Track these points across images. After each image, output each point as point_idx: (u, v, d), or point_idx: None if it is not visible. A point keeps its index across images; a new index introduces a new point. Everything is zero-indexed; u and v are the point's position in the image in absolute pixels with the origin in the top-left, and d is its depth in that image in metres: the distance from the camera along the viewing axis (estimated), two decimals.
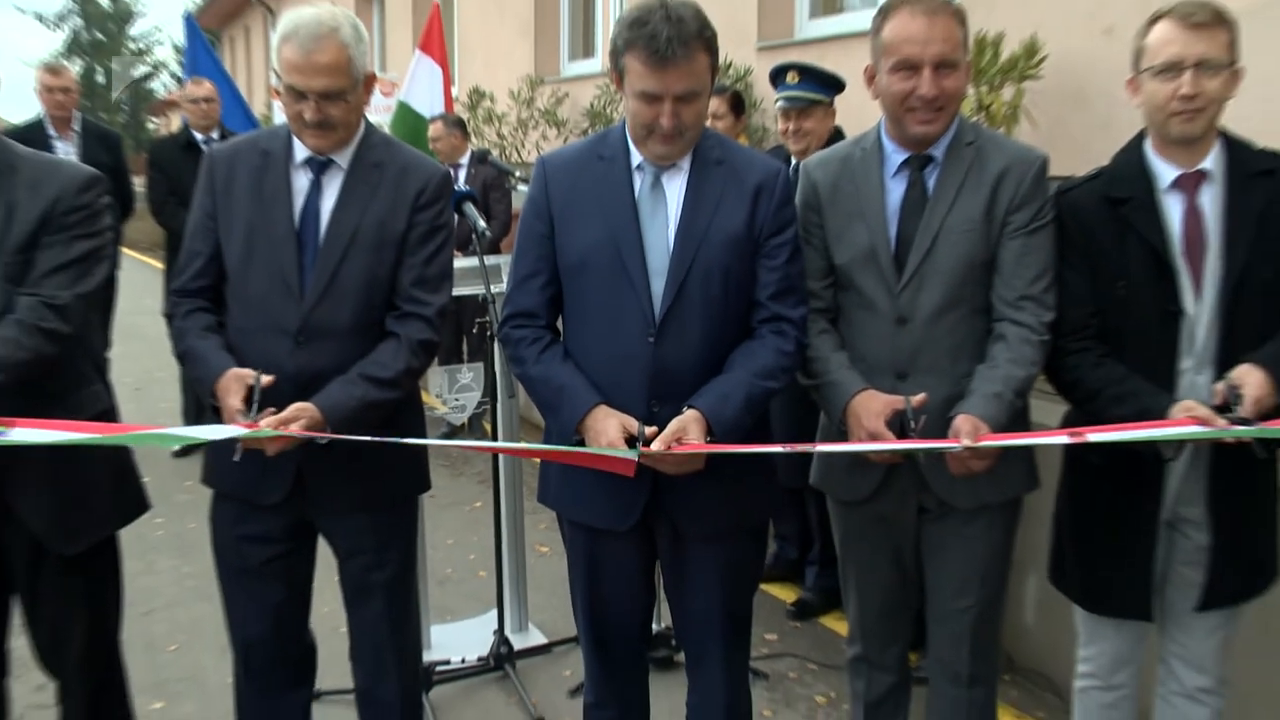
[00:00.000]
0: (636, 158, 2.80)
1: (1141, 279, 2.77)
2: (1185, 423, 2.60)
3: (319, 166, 2.93)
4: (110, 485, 3.05)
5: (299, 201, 2.92)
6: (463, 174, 7.89)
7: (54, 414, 2.85)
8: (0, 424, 2.67)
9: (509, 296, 2.90)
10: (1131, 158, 2.84)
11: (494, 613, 4.50)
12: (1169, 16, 2.68)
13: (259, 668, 3.13)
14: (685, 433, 2.62)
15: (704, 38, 2.65)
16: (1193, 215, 2.77)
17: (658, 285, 2.74)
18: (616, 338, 2.76)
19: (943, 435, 2.69)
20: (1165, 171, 2.79)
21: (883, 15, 2.80)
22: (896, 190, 2.86)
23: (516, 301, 2.87)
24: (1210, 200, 2.77)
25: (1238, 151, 2.79)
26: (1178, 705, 3.01)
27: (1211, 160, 2.77)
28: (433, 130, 7.89)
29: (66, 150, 7.08)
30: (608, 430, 2.65)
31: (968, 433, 2.64)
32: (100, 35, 43.24)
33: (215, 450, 3.03)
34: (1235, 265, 2.73)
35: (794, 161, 4.70)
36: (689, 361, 2.75)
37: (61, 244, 2.84)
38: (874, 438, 2.70)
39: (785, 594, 5.08)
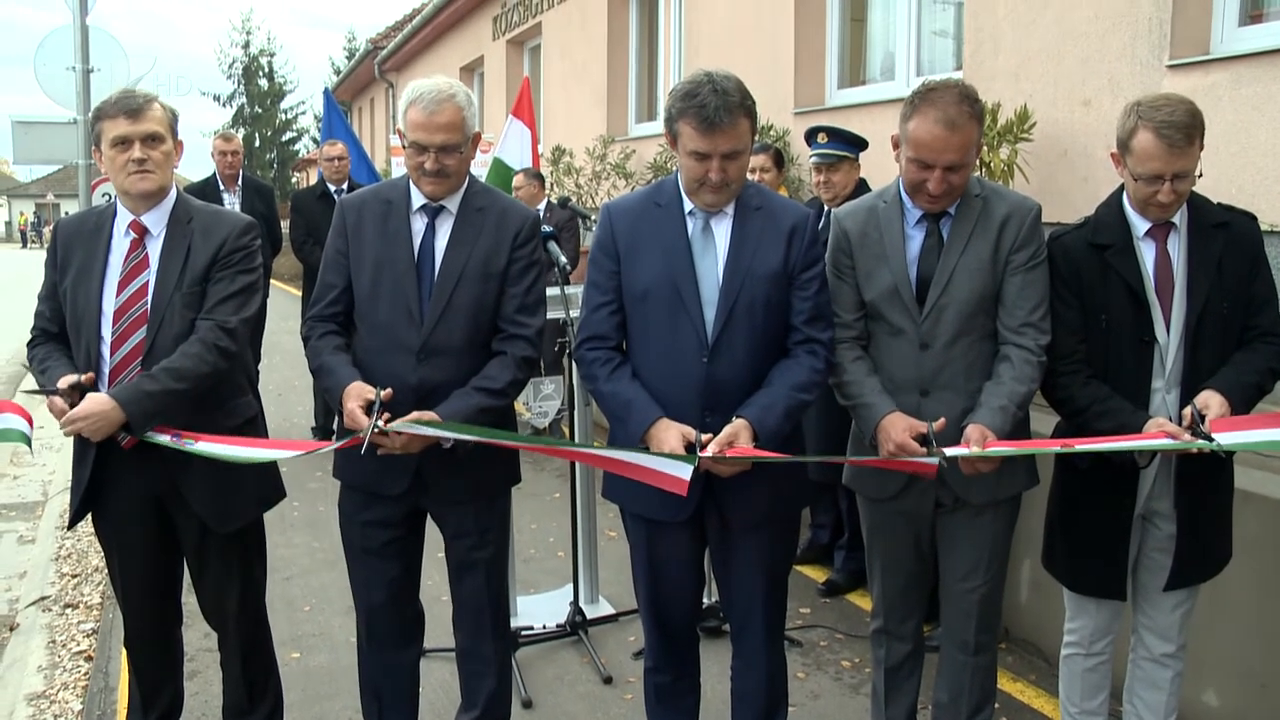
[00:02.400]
0: (688, 205, 2.79)
1: (1121, 312, 2.76)
2: (1157, 436, 2.62)
3: (433, 212, 2.96)
4: (256, 479, 3.11)
5: (417, 241, 2.95)
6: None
7: (214, 418, 2.96)
8: (188, 436, 2.86)
9: (583, 322, 2.89)
10: (1112, 209, 2.82)
11: (570, 587, 4.51)
12: (1151, 130, 2.61)
13: (378, 629, 3.16)
14: (736, 438, 2.62)
15: (745, 107, 2.65)
16: (1163, 259, 2.75)
17: (709, 313, 2.74)
18: (675, 357, 2.75)
19: (958, 442, 2.67)
20: (1140, 223, 2.77)
21: (913, 105, 2.73)
22: (916, 237, 2.84)
23: (590, 327, 2.86)
24: (1176, 247, 2.76)
25: (1198, 206, 2.78)
26: (1146, 668, 2.99)
27: (1177, 214, 2.76)
28: (516, 180, 7.92)
29: (232, 201, 7.12)
30: (669, 439, 2.65)
31: (977, 440, 2.64)
32: (259, 109, 44.41)
33: (344, 450, 3.06)
34: (1198, 302, 2.72)
35: (825, 208, 4.70)
36: (737, 377, 2.74)
37: (228, 278, 2.95)
38: (900, 448, 2.69)
39: (817, 574, 5.04)
